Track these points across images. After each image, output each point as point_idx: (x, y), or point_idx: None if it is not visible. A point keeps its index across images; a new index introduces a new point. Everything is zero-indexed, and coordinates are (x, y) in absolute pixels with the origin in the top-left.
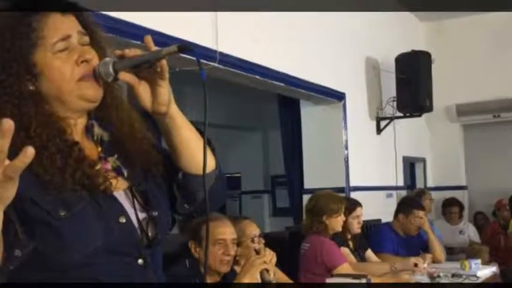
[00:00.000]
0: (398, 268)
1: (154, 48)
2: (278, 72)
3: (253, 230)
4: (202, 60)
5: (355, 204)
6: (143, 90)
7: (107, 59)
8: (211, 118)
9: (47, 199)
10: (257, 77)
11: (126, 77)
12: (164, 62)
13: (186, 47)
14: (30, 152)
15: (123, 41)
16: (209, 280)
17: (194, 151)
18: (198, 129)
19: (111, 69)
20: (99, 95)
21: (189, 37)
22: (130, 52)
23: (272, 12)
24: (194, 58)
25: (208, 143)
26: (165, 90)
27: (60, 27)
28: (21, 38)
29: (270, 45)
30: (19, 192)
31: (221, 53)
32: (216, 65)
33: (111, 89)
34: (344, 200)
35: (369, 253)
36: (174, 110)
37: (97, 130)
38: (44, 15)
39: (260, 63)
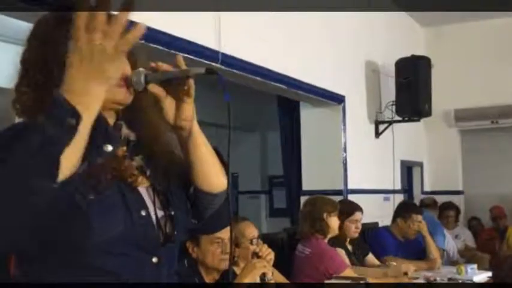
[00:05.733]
0: (390, 274)
1: (184, 67)
2: (279, 74)
3: (252, 231)
4: (204, 61)
5: (355, 208)
6: (169, 104)
7: (141, 69)
8: (211, 117)
9: (81, 184)
10: (258, 78)
11: (155, 89)
12: (191, 81)
13: (213, 71)
14: (142, 27)
15: None
16: (208, 278)
17: (209, 169)
18: (214, 149)
19: (142, 80)
20: (128, 100)
21: (192, 37)
22: (162, 66)
23: (274, 15)
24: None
25: (221, 162)
26: (189, 106)
27: None
28: (63, 42)
29: (272, 47)
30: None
31: (223, 54)
32: (218, 65)
33: (141, 93)
34: (337, 203)
35: (370, 258)
36: (195, 127)
37: (124, 130)
38: None
39: (261, 65)
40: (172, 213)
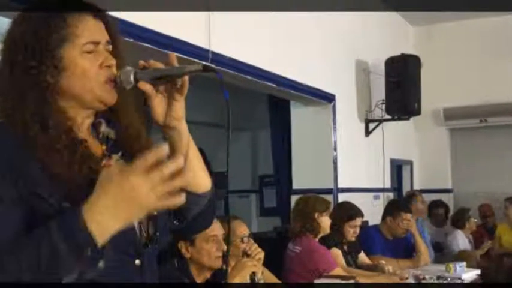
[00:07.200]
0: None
1: (176, 65)
2: (269, 73)
3: (243, 230)
4: (194, 60)
5: (356, 214)
6: (158, 103)
7: (128, 67)
8: (200, 116)
9: (52, 192)
10: (248, 77)
11: (145, 87)
12: (186, 78)
13: (210, 68)
14: (184, 179)
15: None
16: (200, 278)
17: (194, 169)
18: (199, 149)
19: (132, 78)
20: (114, 101)
21: (182, 35)
22: (154, 64)
23: (264, 14)
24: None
25: (206, 164)
26: (180, 104)
27: (93, 32)
28: (54, 31)
29: (262, 45)
30: (29, 190)
31: (213, 53)
32: (207, 64)
33: (123, 93)
34: (329, 203)
35: (362, 256)
36: (184, 127)
37: (104, 128)
38: (79, 15)
39: (252, 64)
40: (155, 213)
